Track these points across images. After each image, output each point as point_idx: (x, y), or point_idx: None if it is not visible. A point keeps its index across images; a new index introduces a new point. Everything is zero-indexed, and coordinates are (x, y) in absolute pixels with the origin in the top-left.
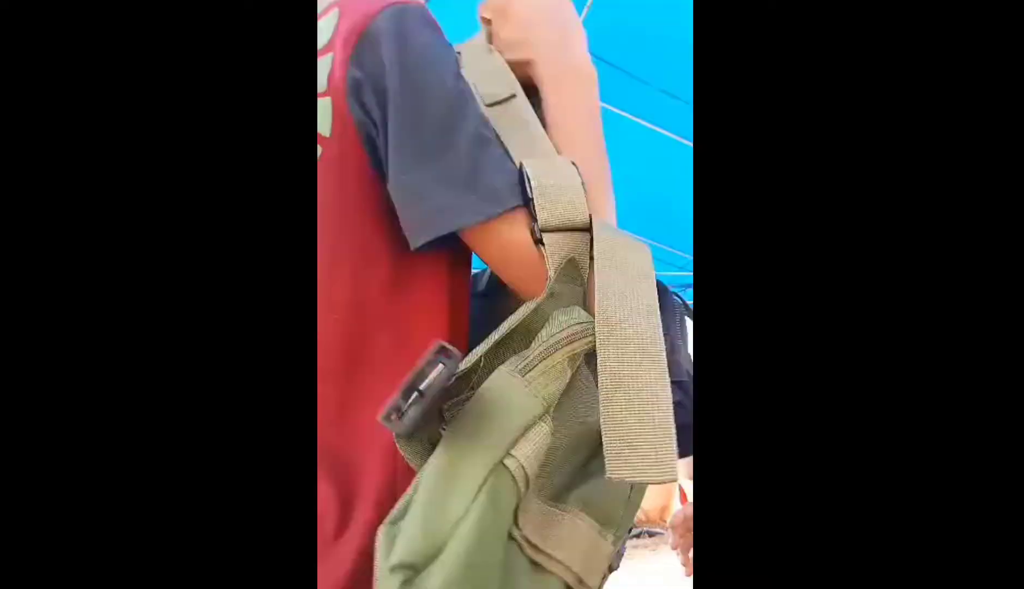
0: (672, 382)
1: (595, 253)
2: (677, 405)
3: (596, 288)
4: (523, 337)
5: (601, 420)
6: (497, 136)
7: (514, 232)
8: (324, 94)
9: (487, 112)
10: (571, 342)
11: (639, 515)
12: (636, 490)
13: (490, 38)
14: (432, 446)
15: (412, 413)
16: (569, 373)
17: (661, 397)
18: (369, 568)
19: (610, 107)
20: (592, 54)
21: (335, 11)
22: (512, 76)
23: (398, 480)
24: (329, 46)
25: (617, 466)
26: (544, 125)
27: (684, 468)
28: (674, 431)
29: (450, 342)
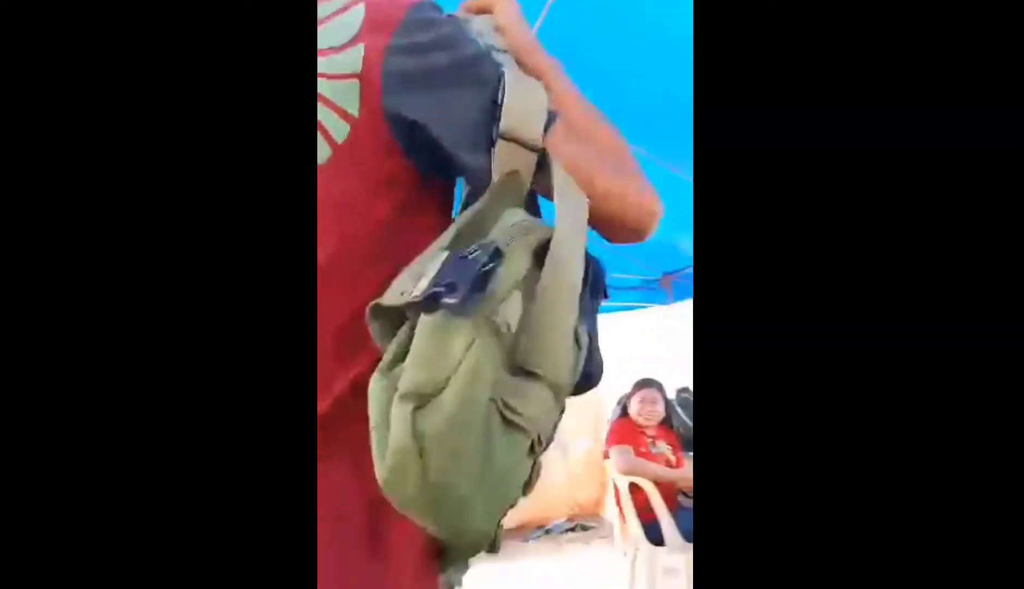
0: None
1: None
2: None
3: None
4: (475, 235)
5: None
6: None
7: None
8: (353, 77)
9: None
10: (527, 233)
11: (574, 508)
12: (575, 360)
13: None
14: (397, 325)
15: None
16: (529, 260)
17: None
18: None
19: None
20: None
21: (360, 5)
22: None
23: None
24: (358, 37)
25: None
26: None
27: (619, 465)
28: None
29: None
